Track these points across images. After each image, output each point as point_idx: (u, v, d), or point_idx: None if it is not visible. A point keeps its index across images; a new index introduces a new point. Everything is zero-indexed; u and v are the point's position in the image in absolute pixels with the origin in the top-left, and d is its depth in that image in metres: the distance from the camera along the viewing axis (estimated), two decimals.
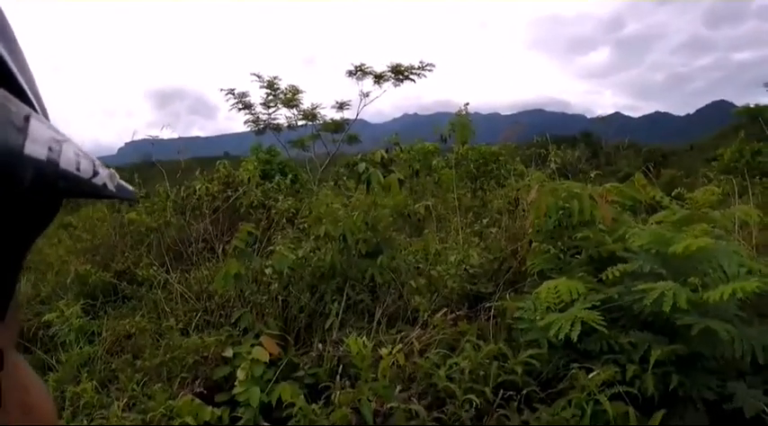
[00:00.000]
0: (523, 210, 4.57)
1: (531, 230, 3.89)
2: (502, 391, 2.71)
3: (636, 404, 2.46)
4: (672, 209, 3.87)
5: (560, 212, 3.61)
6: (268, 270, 4.16)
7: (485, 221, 5.40)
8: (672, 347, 2.59)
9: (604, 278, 3.07)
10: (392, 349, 3.01)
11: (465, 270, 4.14)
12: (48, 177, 0.28)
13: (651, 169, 5.58)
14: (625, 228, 3.46)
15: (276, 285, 4.15)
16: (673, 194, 5.10)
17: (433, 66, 10.89)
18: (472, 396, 2.65)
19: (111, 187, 0.33)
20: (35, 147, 0.27)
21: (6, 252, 0.30)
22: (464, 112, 9.02)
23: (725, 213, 4.17)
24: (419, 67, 10.83)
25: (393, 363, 2.98)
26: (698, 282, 2.79)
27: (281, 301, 4.10)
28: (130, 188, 0.36)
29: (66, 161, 0.29)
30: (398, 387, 2.88)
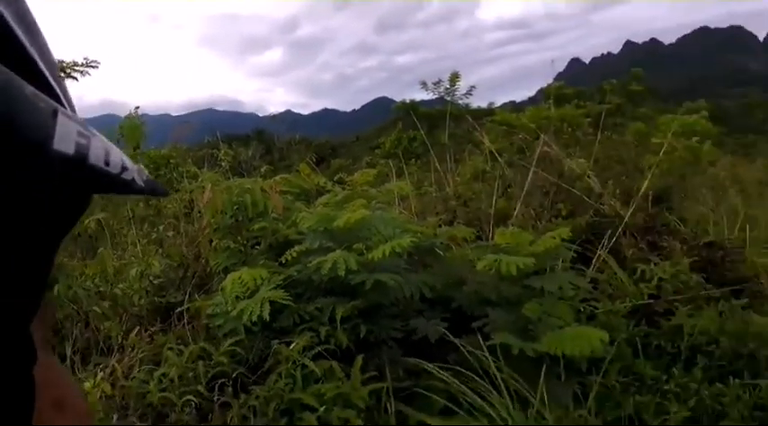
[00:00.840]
0: (200, 212, 4.74)
1: (208, 230, 4.13)
2: (216, 385, 2.88)
3: (337, 358, 2.93)
4: (335, 192, 4.62)
5: (235, 208, 3.88)
6: None
7: (161, 228, 5.38)
8: (352, 303, 3.11)
9: (284, 260, 3.48)
10: (95, 381, 2.91)
11: (150, 281, 4.13)
12: (76, 171, 0.29)
13: (315, 160, 6.39)
14: (296, 214, 3.91)
15: None
16: (335, 179, 6.02)
17: (99, 63, 9.97)
18: (190, 397, 2.78)
19: (140, 182, 0.35)
20: (63, 142, 0.28)
21: (38, 249, 0.30)
22: (134, 115, 8.62)
23: (382, 189, 5.18)
24: (83, 64, 9.77)
25: (101, 396, 2.88)
26: (362, 247, 3.39)
27: None
28: (159, 183, 0.38)
29: (95, 155, 0.30)
30: (115, 416, 2.83)
